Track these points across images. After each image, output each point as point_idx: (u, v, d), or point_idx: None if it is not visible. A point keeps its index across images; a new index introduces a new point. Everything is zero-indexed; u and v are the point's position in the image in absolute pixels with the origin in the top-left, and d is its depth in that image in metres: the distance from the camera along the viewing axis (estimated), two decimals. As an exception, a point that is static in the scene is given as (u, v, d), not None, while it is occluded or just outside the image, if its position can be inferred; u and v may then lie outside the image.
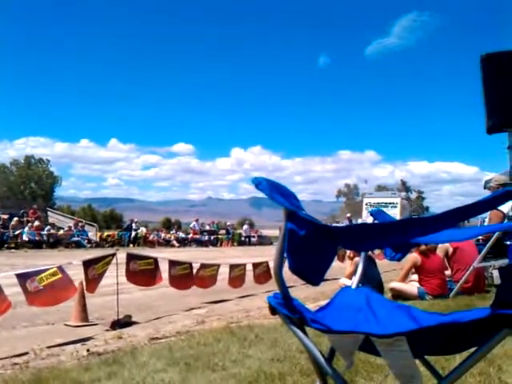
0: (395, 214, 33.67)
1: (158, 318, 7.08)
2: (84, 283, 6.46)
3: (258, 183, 1.65)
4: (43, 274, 5.81)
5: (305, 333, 1.66)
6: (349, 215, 31.69)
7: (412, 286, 7.80)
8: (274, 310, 1.71)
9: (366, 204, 36.81)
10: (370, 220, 26.84)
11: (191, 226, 38.59)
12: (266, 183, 1.65)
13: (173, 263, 8.21)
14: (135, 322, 6.70)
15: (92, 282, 6.59)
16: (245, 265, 9.99)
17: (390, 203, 35.44)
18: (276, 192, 1.65)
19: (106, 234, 31.71)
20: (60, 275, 6.01)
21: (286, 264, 1.72)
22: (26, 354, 4.90)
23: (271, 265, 10.47)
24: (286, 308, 1.67)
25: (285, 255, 1.66)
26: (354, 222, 29.26)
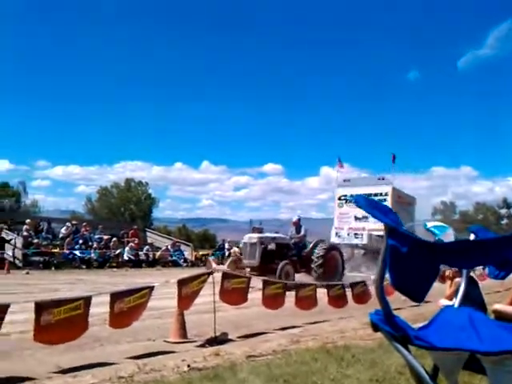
0: None
1: (253, 336, 7.17)
2: (177, 300, 6.70)
3: (358, 201, 1.69)
4: (132, 297, 6.12)
5: (408, 350, 1.66)
6: (295, 219, 17.94)
7: (517, 308, 7.37)
8: (376, 327, 1.72)
9: (340, 198, 24.54)
10: (333, 230, 23.98)
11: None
12: (365, 201, 1.68)
13: (266, 283, 8.31)
14: (231, 340, 6.83)
15: (185, 299, 6.83)
16: (343, 284, 9.89)
17: (377, 194, 23.51)
18: (375, 209, 1.68)
19: (201, 253, 32.52)
20: (146, 298, 6.31)
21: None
22: (131, 368, 5.14)
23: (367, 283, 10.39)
24: (388, 325, 1.67)
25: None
26: (303, 228, 17.65)
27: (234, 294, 7.68)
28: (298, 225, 17.84)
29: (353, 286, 10.14)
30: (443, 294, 7.87)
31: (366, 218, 21.98)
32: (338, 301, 9.43)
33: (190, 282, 6.98)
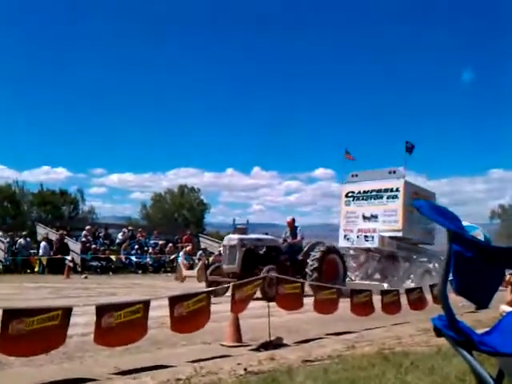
0: (396, 208, 19.02)
1: (307, 341, 7.15)
2: (230, 304, 6.78)
3: (420, 206, 1.68)
4: (190, 301, 6.22)
5: (472, 355, 1.64)
6: (289, 219, 15.89)
7: None
8: (439, 332, 1.71)
9: (348, 195, 20.92)
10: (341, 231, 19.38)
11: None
12: (428, 206, 1.68)
13: (319, 288, 8.29)
14: (286, 345, 6.83)
15: (239, 303, 6.89)
16: (397, 290, 9.76)
17: (386, 190, 19.70)
18: (438, 214, 1.67)
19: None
20: (204, 302, 6.40)
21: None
22: (188, 370, 5.22)
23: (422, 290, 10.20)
24: (452, 330, 1.66)
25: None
26: (299, 229, 15.87)
27: (289, 299, 7.71)
28: (292, 225, 15.78)
29: (408, 292, 10.00)
30: (503, 300, 7.65)
31: (376, 217, 19.61)
32: (392, 307, 9.29)
33: (244, 286, 7.07)
